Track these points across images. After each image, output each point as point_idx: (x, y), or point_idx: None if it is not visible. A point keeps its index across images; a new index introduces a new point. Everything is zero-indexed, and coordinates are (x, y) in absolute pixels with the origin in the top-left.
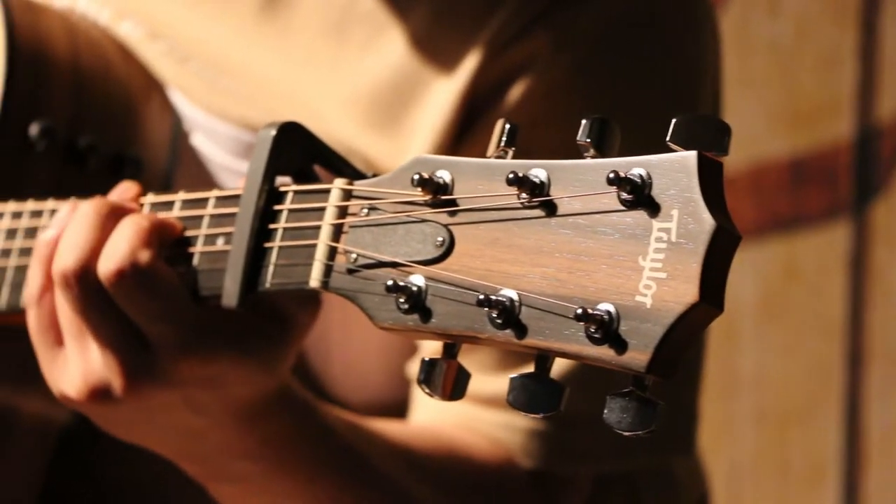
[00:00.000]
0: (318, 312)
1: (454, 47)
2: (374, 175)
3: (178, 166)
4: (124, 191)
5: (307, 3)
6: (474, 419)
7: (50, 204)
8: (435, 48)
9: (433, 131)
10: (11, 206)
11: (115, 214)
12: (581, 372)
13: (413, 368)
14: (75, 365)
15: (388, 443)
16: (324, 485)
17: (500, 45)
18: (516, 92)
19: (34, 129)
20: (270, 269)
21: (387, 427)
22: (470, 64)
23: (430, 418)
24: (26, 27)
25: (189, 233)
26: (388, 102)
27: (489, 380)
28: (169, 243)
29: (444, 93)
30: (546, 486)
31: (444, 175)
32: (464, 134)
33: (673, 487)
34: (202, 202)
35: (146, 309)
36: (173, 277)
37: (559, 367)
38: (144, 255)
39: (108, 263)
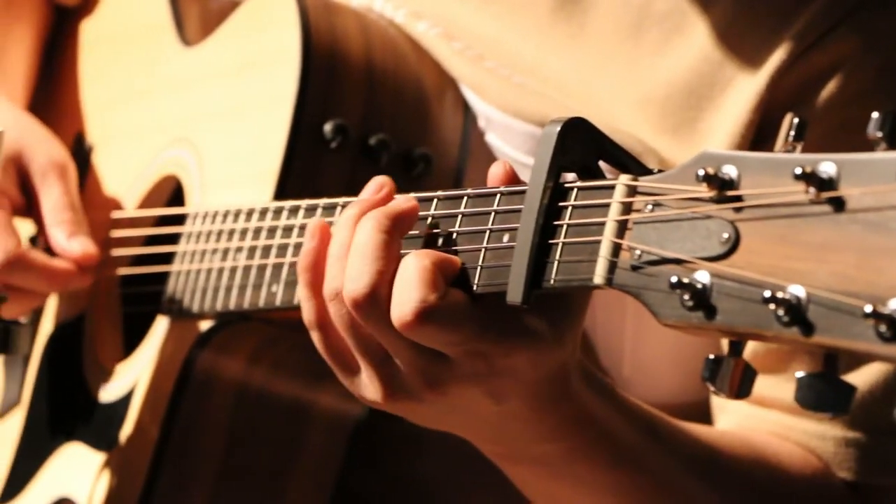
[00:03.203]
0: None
1: (757, 44)
2: (660, 171)
3: (470, 163)
4: (378, 190)
5: (603, 4)
6: (785, 427)
7: (324, 200)
8: (736, 44)
9: (730, 132)
10: (289, 203)
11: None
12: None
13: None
14: (374, 381)
15: (694, 439)
16: (625, 472)
17: (807, 43)
18: (825, 94)
19: (328, 127)
20: (555, 265)
21: (692, 426)
22: (773, 62)
23: (736, 426)
24: (322, 27)
25: (477, 227)
26: (684, 103)
27: None
28: (449, 276)
29: (743, 92)
30: (864, 498)
31: (730, 170)
32: (763, 136)
33: None
34: (489, 198)
35: (439, 342)
36: (459, 305)
37: (865, 379)
38: (432, 298)
39: (401, 310)
